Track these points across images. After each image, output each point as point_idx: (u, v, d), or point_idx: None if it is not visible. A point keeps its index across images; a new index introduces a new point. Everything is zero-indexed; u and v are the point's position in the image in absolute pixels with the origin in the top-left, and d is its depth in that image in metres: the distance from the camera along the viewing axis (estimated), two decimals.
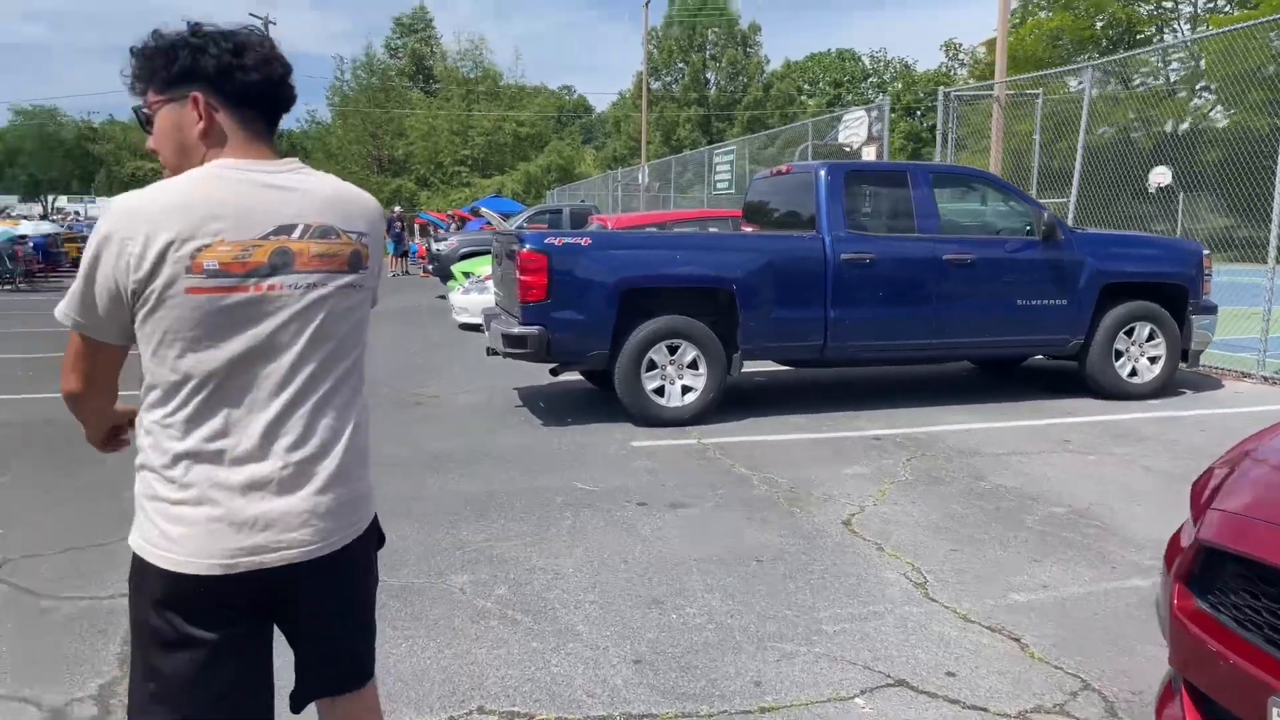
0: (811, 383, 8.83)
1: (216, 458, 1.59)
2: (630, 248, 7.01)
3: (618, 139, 52.92)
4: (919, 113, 56.83)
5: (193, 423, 1.59)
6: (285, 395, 1.63)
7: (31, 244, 22.13)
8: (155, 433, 1.61)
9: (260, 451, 1.61)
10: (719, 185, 21.56)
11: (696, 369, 7.03)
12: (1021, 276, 7.54)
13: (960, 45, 59.10)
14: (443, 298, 18.00)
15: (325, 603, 1.74)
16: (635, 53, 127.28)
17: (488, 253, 17.93)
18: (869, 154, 15.15)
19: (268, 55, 1.67)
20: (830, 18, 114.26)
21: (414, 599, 3.76)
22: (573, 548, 4.40)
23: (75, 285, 1.59)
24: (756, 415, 7.32)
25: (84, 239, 20.76)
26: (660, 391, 6.99)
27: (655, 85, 52.77)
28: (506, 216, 22.60)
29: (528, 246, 6.71)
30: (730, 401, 7.30)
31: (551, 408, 7.74)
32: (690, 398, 7.03)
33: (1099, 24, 40.49)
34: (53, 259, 23.94)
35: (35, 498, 5.20)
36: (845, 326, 7.21)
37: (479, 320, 12.87)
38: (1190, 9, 39.65)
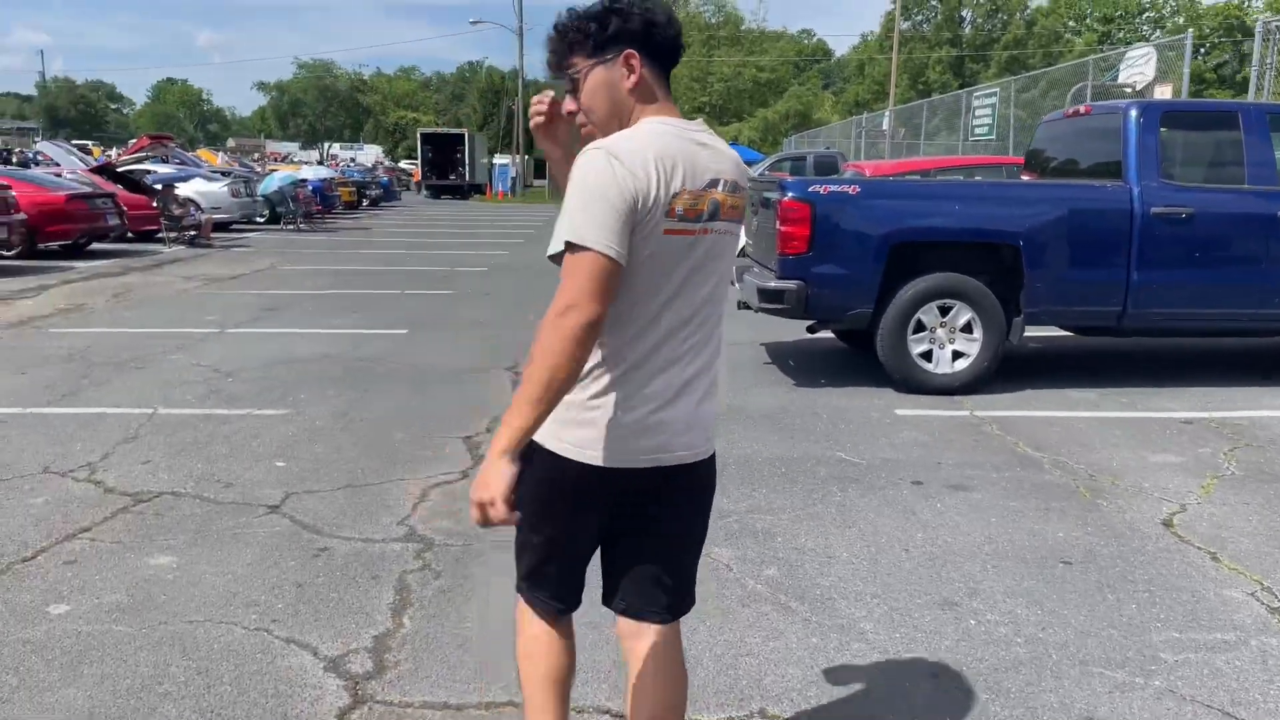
0: (1101, 352, 7.89)
1: (639, 370, 1.80)
2: (902, 197, 6.41)
3: (860, 83, 50.68)
4: (1204, 50, 50.42)
5: (634, 341, 1.79)
6: (696, 321, 1.84)
7: (310, 187, 24.07)
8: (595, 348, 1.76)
9: (673, 366, 1.82)
10: (977, 131, 20.04)
11: (970, 333, 6.38)
12: None
13: None
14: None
15: (682, 508, 1.94)
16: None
17: None
18: (1163, 95, 13.38)
19: (672, 15, 1.86)
20: None
21: None
22: (844, 528, 4.02)
23: (593, 212, 1.66)
24: (1037, 387, 6.58)
25: (355, 184, 22.31)
26: (928, 356, 6.41)
27: (904, 25, 49.96)
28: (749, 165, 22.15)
29: (790, 194, 6.28)
30: (1005, 370, 6.59)
31: (803, 366, 7.33)
32: (962, 364, 6.40)
33: None
34: (328, 201, 25.99)
35: (317, 431, 5.44)
36: (1151, 291, 6.28)
37: None
38: None
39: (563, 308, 1.64)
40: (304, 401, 6.10)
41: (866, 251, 6.26)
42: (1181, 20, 61.30)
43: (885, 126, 31.13)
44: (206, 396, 6.19)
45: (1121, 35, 53.88)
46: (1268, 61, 11.01)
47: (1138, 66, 17.51)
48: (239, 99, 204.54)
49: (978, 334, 6.35)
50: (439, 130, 49.04)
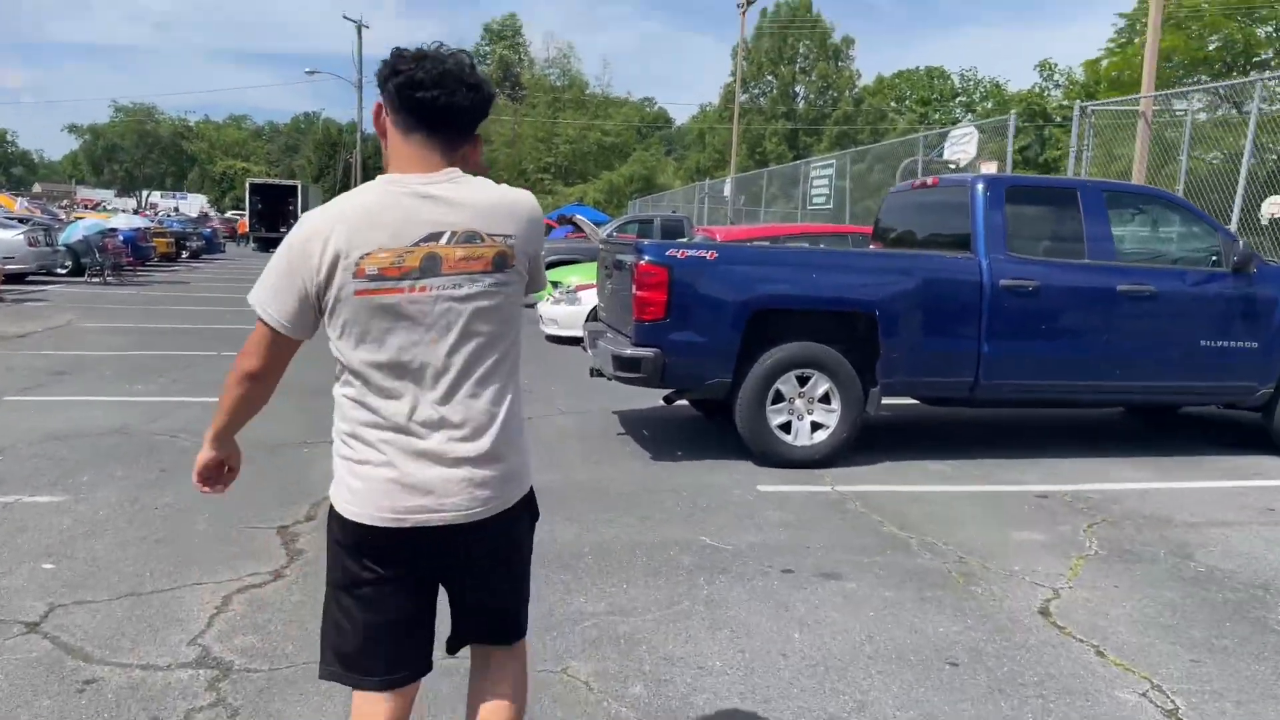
0: (951, 423, 7.91)
1: (398, 432, 1.84)
2: (760, 263, 6.21)
3: (700, 151, 52.19)
4: (1014, 134, 54.90)
5: (369, 400, 1.84)
6: (444, 382, 1.83)
7: (121, 237, 22.24)
8: (343, 406, 1.89)
9: (425, 428, 1.83)
10: (815, 200, 20.68)
11: (829, 404, 6.20)
12: (1207, 313, 6.55)
13: (1055, 65, 57.10)
14: (528, 307, 17.47)
15: (478, 562, 1.97)
16: (717, 67, 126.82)
17: (573, 261, 17.48)
18: (988, 171, 14.10)
19: (447, 74, 1.81)
20: (917, 36, 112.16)
21: (538, 694, 3.01)
22: (715, 629, 3.61)
23: (268, 280, 1.84)
24: (893, 459, 6.45)
25: (174, 234, 20.76)
26: (787, 428, 6.18)
27: (742, 98, 52.01)
28: (596, 226, 22.04)
29: (647, 258, 5.97)
30: (861, 440, 6.44)
31: (658, 437, 6.97)
32: (821, 436, 6.20)
33: (1213, 45, 38.32)
34: (141, 253, 24.10)
35: (99, 523, 4.61)
36: (1001, 362, 6.30)
37: (569, 333, 12.28)
38: None
39: (240, 353, 1.91)
40: (86, 485, 5.22)
41: (725, 318, 6.00)
42: (990, 105, 66.69)
43: (726, 193, 31.95)
44: None
45: (937, 117, 57.94)
46: (1084, 140, 11.73)
47: (960, 145, 18.50)
48: (48, 142, 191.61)
49: (836, 405, 6.18)
50: (270, 181, 47.02)
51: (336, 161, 74.03)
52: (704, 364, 6.07)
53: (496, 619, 2.07)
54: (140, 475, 5.46)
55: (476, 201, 1.84)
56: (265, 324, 1.85)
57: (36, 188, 76.20)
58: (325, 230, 1.77)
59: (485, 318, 1.84)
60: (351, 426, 1.87)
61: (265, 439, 6.50)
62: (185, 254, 29.77)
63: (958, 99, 69.20)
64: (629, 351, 6.03)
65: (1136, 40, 41.78)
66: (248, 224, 44.61)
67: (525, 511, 2.03)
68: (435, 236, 1.78)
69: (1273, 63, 37.30)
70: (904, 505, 5.40)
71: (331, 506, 1.92)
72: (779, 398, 6.15)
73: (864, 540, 4.75)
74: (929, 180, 7.25)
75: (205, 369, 9.30)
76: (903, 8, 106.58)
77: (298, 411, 7.43)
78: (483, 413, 1.87)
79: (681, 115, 79.05)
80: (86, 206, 50.38)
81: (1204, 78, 36.67)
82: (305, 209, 42.83)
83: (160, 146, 78.68)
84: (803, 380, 6.16)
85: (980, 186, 6.50)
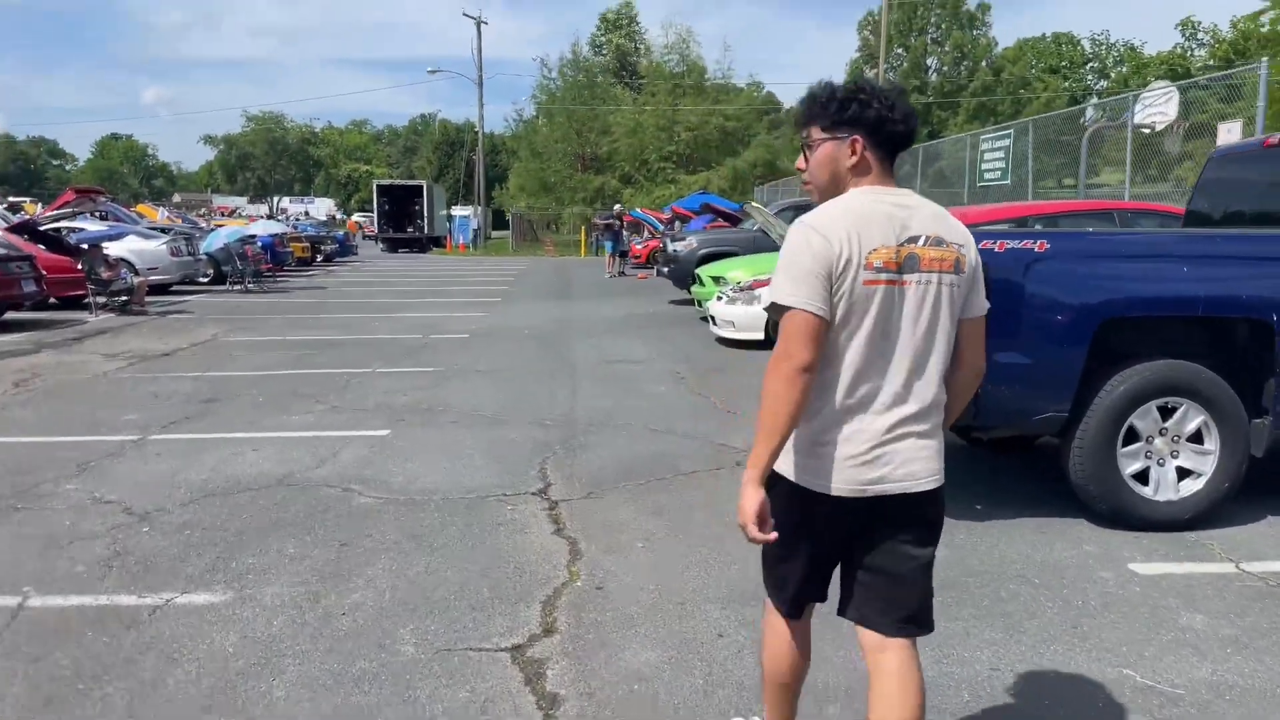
0: None
1: (863, 408, 2.09)
2: (1113, 257, 4.59)
3: None
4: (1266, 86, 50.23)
5: (854, 383, 2.08)
6: (906, 364, 2.09)
7: (260, 243, 21.93)
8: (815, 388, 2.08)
9: (886, 405, 2.09)
10: (987, 175, 18.62)
11: (1200, 443, 4.57)
12: None
13: (1199, 23, 52.48)
14: (680, 303, 16.12)
15: (909, 532, 2.17)
16: (824, 46, 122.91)
17: (732, 253, 16.02)
18: (1229, 133, 11.91)
19: (908, 111, 2.12)
20: (1041, 1, 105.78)
21: None
22: None
23: (793, 275, 2.03)
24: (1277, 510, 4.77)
25: (309, 238, 20.16)
26: (1142, 477, 4.58)
27: (870, 73, 49.43)
28: (729, 213, 20.49)
29: None
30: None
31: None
32: (1192, 487, 4.57)
33: None
34: (279, 258, 23.82)
35: (274, 641, 3.41)
36: None
37: (749, 335, 10.85)
38: None
39: (777, 356, 2.02)
40: (250, 574, 4.05)
41: (1064, 331, 4.43)
42: (1125, 69, 61.95)
43: None
44: (106, 566, 4.13)
45: (1069, 85, 53.98)
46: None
47: (1158, 106, 16.25)
48: (186, 154, 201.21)
49: (1211, 444, 4.54)
50: (396, 182, 47.10)
51: (456, 161, 74.57)
52: (1034, 394, 4.52)
53: (906, 601, 2.21)
54: (316, 554, 4.28)
55: (933, 213, 2.13)
56: (808, 314, 2.00)
57: (176, 198, 79.44)
58: (843, 229, 2.02)
59: (945, 313, 2.11)
60: (819, 407, 2.12)
61: (444, 490, 5.30)
62: (320, 258, 29.61)
63: (1089, 64, 64.60)
64: None
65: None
66: (363, 224, 44.73)
67: (942, 493, 2.21)
68: (915, 239, 2.07)
69: None
70: None
71: (785, 480, 2.15)
72: (1131, 436, 4.55)
73: None
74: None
75: (362, 390, 8.24)
76: None
77: (468, 447, 6.24)
78: (937, 394, 2.14)
79: (790, 98, 76.56)
80: (223, 214, 51.71)
81: None
82: (432, 209, 42.59)
83: (289, 153, 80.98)
84: (1165, 412, 4.54)
85: None
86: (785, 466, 2.13)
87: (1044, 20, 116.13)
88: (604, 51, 53.43)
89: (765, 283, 11.08)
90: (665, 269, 16.68)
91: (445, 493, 5.29)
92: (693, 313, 14.44)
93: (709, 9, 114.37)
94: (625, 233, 26.04)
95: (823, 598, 2.32)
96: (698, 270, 14.02)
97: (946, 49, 46.04)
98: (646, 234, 26.87)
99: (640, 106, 45.80)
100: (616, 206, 27.07)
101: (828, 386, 2.07)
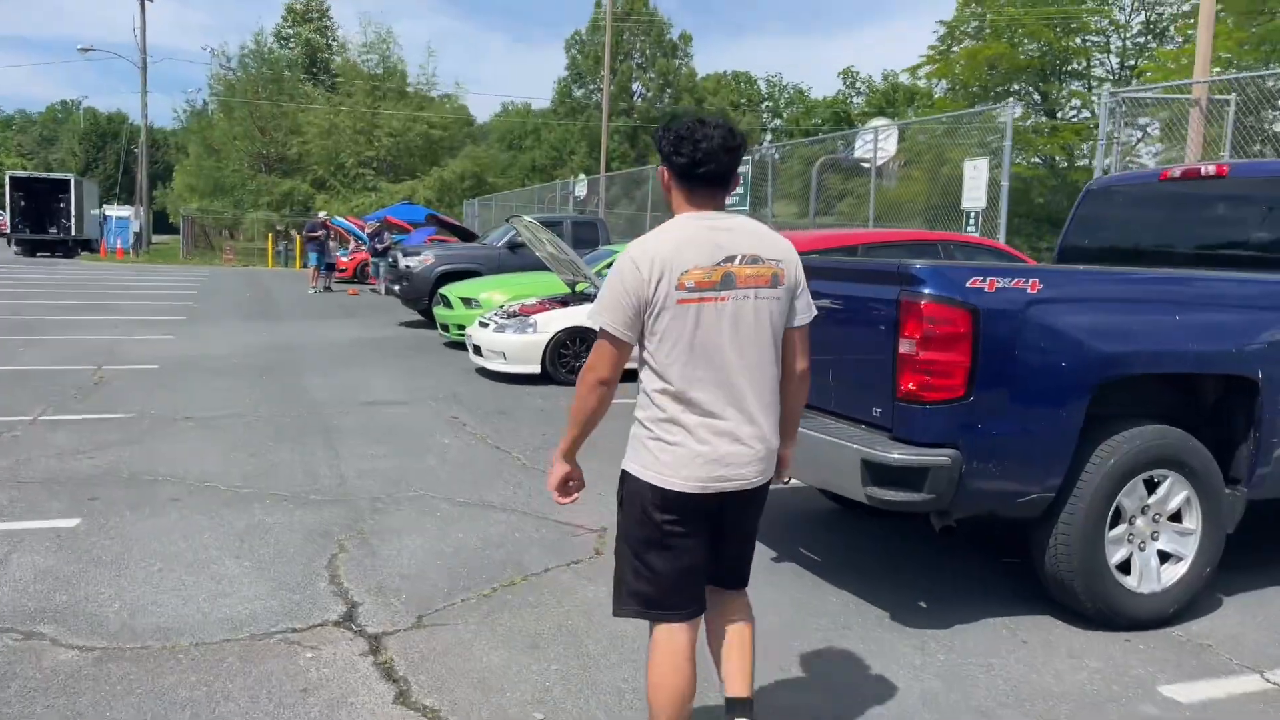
0: None
1: (697, 413, 2.34)
2: (1116, 301, 3.77)
3: (537, 148, 49.19)
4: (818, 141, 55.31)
5: (677, 391, 2.32)
6: (730, 373, 2.33)
7: None
8: (650, 391, 2.37)
9: (717, 411, 2.34)
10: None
11: (1179, 521, 3.89)
12: None
13: (858, 73, 58.55)
14: (414, 325, 14.27)
15: (742, 520, 2.50)
16: (516, 63, 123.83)
17: (474, 272, 14.43)
18: (977, 170, 12.31)
19: (699, 142, 2.33)
20: (723, 40, 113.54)
21: None
22: None
23: (606, 302, 2.32)
24: (1268, 606, 4.21)
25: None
26: (1124, 565, 3.81)
27: (578, 93, 49.53)
28: (459, 227, 18.88)
29: (932, 291, 3.43)
30: None
31: (845, 560, 4.43)
32: (1176, 573, 3.87)
33: (1030, 53, 39.28)
34: None
35: None
36: None
37: (525, 369, 9.32)
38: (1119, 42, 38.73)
39: (587, 367, 2.35)
40: None
41: (1062, 393, 3.56)
42: (797, 110, 67.75)
43: (580, 193, 29.47)
44: None
45: (747, 119, 57.76)
46: (1114, 136, 10.10)
47: (878, 142, 16.97)
48: None
49: (1192, 522, 3.87)
50: (36, 174, 40.15)
51: (108, 155, 65.42)
52: (1023, 470, 3.60)
53: (739, 568, 2.59)
54: None
55: (752, 233, 2.40)
56: (613, 336, 2.31)
57: None
58: (655, 254, 2.30)
59: (770, 324, 2.39)
60: (661, 418, 2.39)
61: (201, 621, 3.46)
62: None
63: (764, 104, 69.77)
64: (898, 457, 3.46)
65: (958, 48, 42.37)
66: (8, 224, 37.87)
67: (768, 484, 2.51)
68: (731, 259, 2.32)
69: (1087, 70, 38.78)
70: None
71: (633, 477, 2.41)
72: (1116, 516, 3.77)
73: None
74: (1204, 169, 5.01)
75: (21, 452, 5.86)
76: (718, 7, 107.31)
77: (205, 540, 4.33)
78: (767, 400, 2.42)
79: (483, 113, 75.49)
80: None
81: (1023, 84, 37.94)
82: (81, 207, 36.55)
83: None
84: (1149, 486, 3.82)
85: None
86: (638, 467, 2.39)
87: (728, 58, 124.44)
88: (291, 45, 49.17)
89: (539, 309, 9.71)
90: (396, 286, 14.75)
91: (196, 632, 3.47)
92: (433, 337, 12.74)
93: (412, 9, 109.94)
94: (332, 243, 23.39)
95: (712, 581, 2.52)
96: (443, 291, 12.36)
97: (652, 75, 47.14)
98: (354, 245, 24.38)
99: (335, 106, 42.46)
100: (321, 214, 24.28)
101: (665, 396, 2.33)
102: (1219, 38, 26.10)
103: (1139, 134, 10.99)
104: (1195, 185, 4.95)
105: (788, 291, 2.40)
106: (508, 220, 13.76)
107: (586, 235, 15.22)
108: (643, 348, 2.34)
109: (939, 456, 3.45)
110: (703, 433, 2.30)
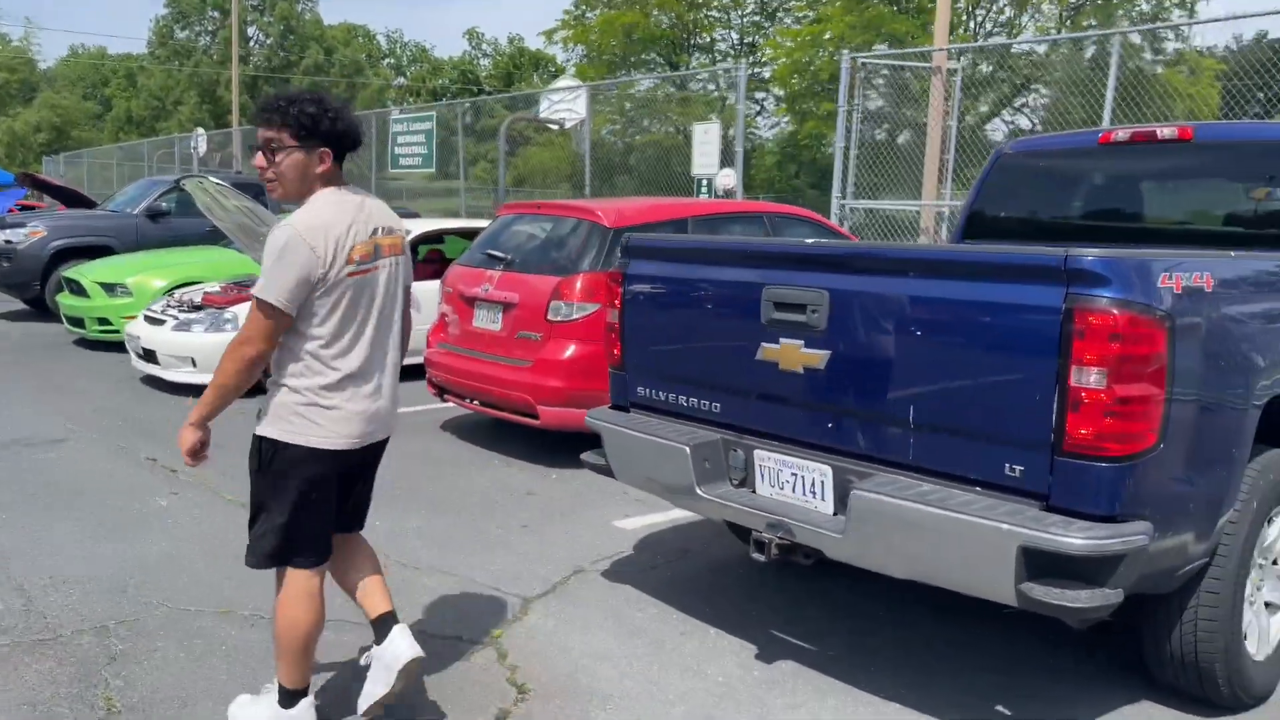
0: None
1: (360, 378, 2.51)
2: (1268, 289, 2.85)
3: (134, 97, 41.97)
4: (445, 97, 53.31)
5: (344, 357, 2.47)
6: (383, 335, 2.54)
7: None
8: (310, 361, 2.46)
9: (373, 372, 2.54)
10: (403, 161, 16.38)
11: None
12: None
13: (484, 34, 57.69)
14: (21, 317, 10.77)
15: (373, 468, 2.75)
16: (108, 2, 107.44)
17: (105, 248, 11.14)
18: (708, 134, 11.56)
19: (354, 121, 2.52)
20: None
21: None
22: None
23: (275, 275, 2.34)
24: None
25: None
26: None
27: (182, 34, 43.01)
28: (63, 188, 14.95)
29: (1116, 296, 2.29)
30: None
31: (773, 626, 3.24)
32: None
33: (661, 23, 40.52)
34: None
35: None
36: None
37: (194, 378, 6.88)
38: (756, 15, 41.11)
39: (241, 341, 2.37)
40: None
41: (1237, 424, 2.61)
42: (423, 68, 65.15)
43: (200, 149, 25.47)
44: None
45: (370, 75, 54.50)
46: (854, 101, 9.80)
47: (567, 103, 16.09)
48: None
49: None
50: None
51: None
52: (1195, 533, 2.59)
53: (363, 511, 2.80)
54: None
55: (379, 204, 2.62)
56: (278, 309, 2.34)
57: None
58: (328, 232, 2.40)
59: (403, 289, 2.66)
60: (324, 382, 2.50)
61: None
62: None
63: (386, 60, 66.10)
64: (1083, 542, 2.30)
65: (593, 15, 42.64)
66: None
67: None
68: (375, 230, 2.51)
69: (713, 44, 40.89)
70: None
71: (289, 444, 2.46)
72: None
73: None
74: (1161, 131, 4.29)
75: None
76: None
77: None
78: (394, 360, 2.62)
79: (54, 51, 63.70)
80: None
81: (656, 53, 39.25)
82: None
83: None
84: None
85: None
86: (296, 435, 2.44)
87: (348, 7, 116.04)
88: None
89: (230, 298, 7.35)
90: None
91: None
92: (57, 334, 9.64)
93: None
94: None
95: (340, 529, 2.65)
96: (69, 274, 9.30)
97: (270, 20, 42.16)
98: None
99: None
100: None
101: (324, 364, 2.44)
102: (831, 20, 28.49)
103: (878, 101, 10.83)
104: (1148, 150, 4.29)
105: (406, 258, 2.67)
106: (177, 182, 10.79)
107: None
108: (300, 320, 2.40)
109: (1134, 536, 2.34)
110: (358, 394, 2.48)
